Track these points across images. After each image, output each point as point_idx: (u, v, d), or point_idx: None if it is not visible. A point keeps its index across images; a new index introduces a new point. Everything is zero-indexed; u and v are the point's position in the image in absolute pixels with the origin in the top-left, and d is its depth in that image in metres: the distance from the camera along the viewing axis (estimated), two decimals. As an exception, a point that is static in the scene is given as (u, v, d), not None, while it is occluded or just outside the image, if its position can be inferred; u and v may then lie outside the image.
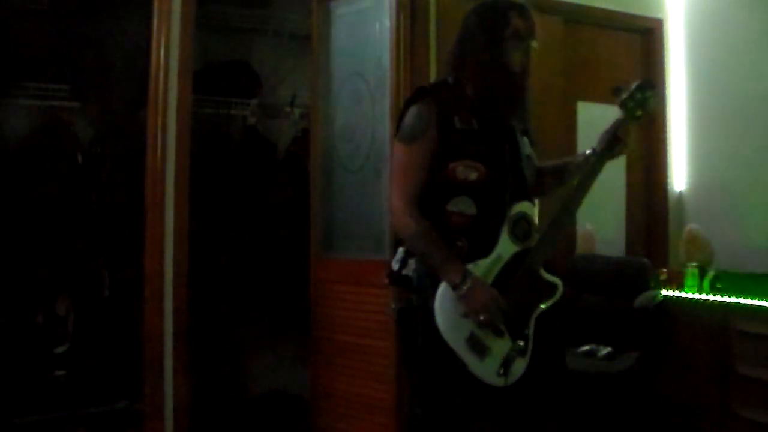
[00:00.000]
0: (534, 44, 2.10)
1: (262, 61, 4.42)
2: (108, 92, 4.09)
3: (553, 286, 2.08)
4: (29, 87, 3.77)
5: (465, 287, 1.95)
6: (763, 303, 3.31)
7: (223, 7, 4.19)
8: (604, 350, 3.52)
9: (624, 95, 2.10)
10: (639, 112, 2.10)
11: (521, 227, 2.07)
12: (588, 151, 2.16)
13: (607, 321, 3.70)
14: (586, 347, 3.58)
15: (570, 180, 2.22)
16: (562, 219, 2.12)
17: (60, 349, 3.80)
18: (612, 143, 2.11)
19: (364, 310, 3.39)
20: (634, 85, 2.11)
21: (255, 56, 4.41)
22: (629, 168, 4.34)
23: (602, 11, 4.24)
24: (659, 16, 4.45)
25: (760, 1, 3.99)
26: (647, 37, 4.47)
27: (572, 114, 4.16)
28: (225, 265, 4.10)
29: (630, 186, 4.37)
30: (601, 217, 4.16)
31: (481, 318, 1.96)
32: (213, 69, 4.18)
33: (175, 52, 3.30)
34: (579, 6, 4.12)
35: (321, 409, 3.59)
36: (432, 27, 3.61)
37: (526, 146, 2.19)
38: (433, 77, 3.57)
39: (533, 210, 2.13)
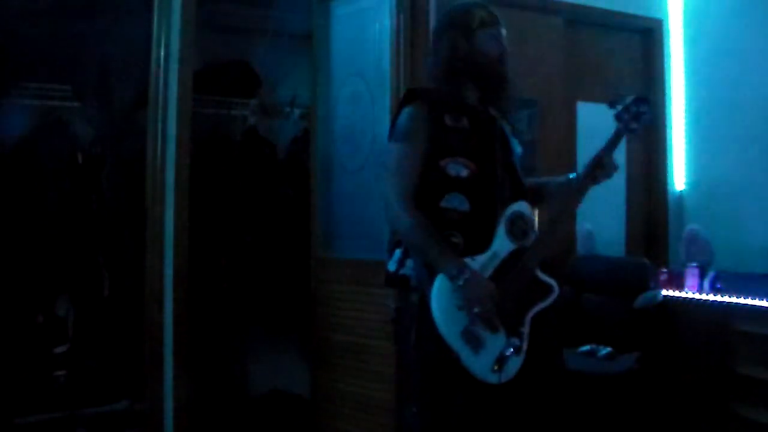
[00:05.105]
0: (503, 31, 2.19)
1: (262, 61, 4.41)
2: (108, 92, 4.09)
3: (549, 287, 2.10)
4: (29, 87, 3.77)
5: (462, 278, 1.97)
6: (763, 303, 3.31)
7: (223, 7, 4.19)
8: (604, 350, 3.52)
9: (619, 107, 2.15)
10: (634, 125, 2.14)
11: (518, 225, 2.10)
12: (571, 175, 2.20)
13: (607, 321, 3.70)
14: (586, 347, 3.58)
15: (550, 203, 2.26)
16: (554, 228, 2.16)
17: (60, 349, 3.80)
18: (594, 168, 2.13)
19: (364, 310, 3.39)
20: (629, 99, 2.16)
21: (255, 56, 4.41)
22: (629, 168, 4.34)
23: (602, 11, 4.24)
24: (659, 16, 4.45)
25: (760, 1, 3.99)
26: (647, 37, 4.47)
27: (572, 114, 4.16)
28: (225, 265, 4.09)
29: (630, 186, 4.37)
30: (601, 217, 4.16)
31: (475, 310, 1.97)
32: (213, 69, 4.17)
33: (175, 52, 3.30)
34: (579, 6, 4.12)
35: (321, 409, 3.59)
36: (432, 27, 3.61)
37: (517, 146, 2.23)
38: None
39: (530, 209, 2.15)
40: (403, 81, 3.30)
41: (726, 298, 3.48)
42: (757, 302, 3.33)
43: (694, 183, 4.37)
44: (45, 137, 3.80)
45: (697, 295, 3.64)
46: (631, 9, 4.34)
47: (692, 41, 4.39)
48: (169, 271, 3.28)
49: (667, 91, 4.44)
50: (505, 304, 2.01)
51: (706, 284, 3.67)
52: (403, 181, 2.09)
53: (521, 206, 2.12)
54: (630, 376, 3.39)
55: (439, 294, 2.00)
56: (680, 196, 4.41)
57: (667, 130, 4.44)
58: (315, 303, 3.63)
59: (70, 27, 3.90)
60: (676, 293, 3.73)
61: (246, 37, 4.41)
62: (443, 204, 2.07)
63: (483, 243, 2.06)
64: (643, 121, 2.15)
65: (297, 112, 4.38)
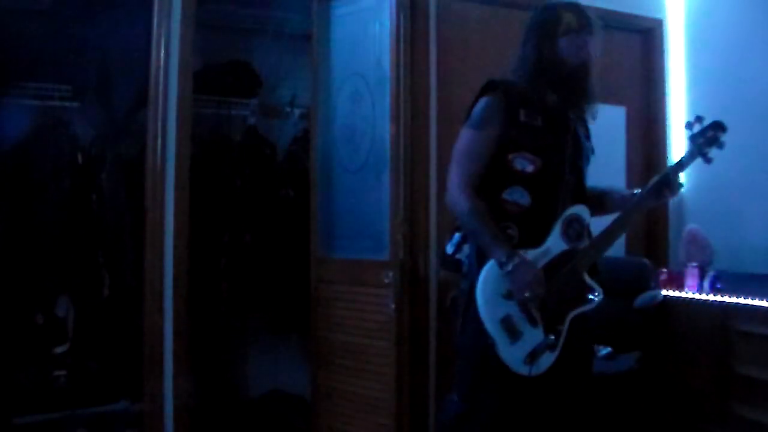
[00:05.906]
0: (590, 38, 2.18)
1: (262, 61, 4.41)
2: (108, 92, 4.09)
3: (594, 292, 2.15)
4: (29, 87, 3.77)
5: (512, 264, 2.00)
6: (763, 303, 3.31)
7: (223, 7, 4.19)
8: (604, 350, 3.52)
9: (695, 130, 2.16)
10: (707, 150, 2.15)
11: (574, 228, 2.14)
12: (636, 191, 2.23)
13: (607, 321, 3.69)
14: (586, 347, 3.57)
15: (609, 212, 2.28)
16: (610, 236, 2.20)
17: (60, 349, 3.80)
18: (661, 185, 2.17)
19: (364, 310, 3.39)
20: (707, 123, 2.16)
21: (255, 56, 4.41)
22: (629, 168, 4.34)
23: (602, 11, 4.20)
24: (659, 16, 4.45)
25: (761, 1, 3.98)
26: (647, 37, 4.47)
27: (572, 114, 4.15)
28: (225, 265, 4.09)
29: (630, 186, 4.36)
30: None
31: (526, 295, 1.99)
32: (213, 69, 4.18)
33: (175, 52, 3.30)
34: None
35: (321, 409, 3.59)
36: (432, 27, 3.61)
37: (589, 151, 2.26)
38: (433, 77, 3.58)
39: (588, 213, 2.18)
40: (403, 81, 3.31)
41: (726, 298, 3.48)
42: (757, 302, 3.33)
43: (694, 183, 4.36)
44: (45, 137, 3.80)
45: (696, 295, 3.64)
46: (631, 9, 4.32)
47: (692, 41, 4.39)
48: (169, 271, 3.28)
49: (667, 91, 4.44)
50: (548, 301, 2.05)
51: (706, 284, 3.67)
52: (468, 167, 2.13)
53: (580, 209, 2.16)
54: (630, 376, 3.39)
55: (485, 280, 2.05)
56: (680, 196, 4.41)
57: (667, 130, 4.44)
58: (315, 303, 3.63)
59: (70, 27, 3.90)
60: (676, 293, 3.72)
61: (246, 37, 4.41)
62: (505, 196, 2.12)
63: (537, 239, 2.10)
64: (718, 147, 2.15)
65: (297, 112, 4.38)
